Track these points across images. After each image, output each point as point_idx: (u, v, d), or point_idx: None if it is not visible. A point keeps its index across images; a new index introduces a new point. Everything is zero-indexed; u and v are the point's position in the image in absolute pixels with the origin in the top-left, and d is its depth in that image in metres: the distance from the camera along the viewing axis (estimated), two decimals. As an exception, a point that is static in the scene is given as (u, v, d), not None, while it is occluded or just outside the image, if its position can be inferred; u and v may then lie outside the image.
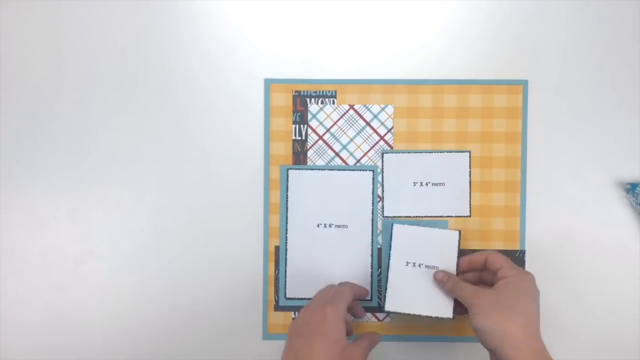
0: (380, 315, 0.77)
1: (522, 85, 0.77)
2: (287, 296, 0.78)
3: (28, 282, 0.79)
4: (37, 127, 0.79)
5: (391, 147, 0.78)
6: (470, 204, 0.77)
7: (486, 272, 0.71)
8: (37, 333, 0.79)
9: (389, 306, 0.72)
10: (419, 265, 0.72)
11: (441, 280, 0.71)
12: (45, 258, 0.79)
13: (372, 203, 0.78)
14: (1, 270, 0.79)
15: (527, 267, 0.76)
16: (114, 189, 0.78)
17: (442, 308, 0.71)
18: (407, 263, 0.72)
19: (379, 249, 0.77)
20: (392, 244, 0.73)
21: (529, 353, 0.61)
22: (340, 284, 0.73)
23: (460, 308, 0.70)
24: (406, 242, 0.73)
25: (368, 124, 0.78)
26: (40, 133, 0.79)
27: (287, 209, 0.78)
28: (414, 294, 0.72)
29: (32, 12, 0.79)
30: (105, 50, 0.79)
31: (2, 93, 0.79)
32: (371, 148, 0.78)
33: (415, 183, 0.78)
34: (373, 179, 0.78)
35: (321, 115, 0.78)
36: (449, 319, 0.71)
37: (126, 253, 0.78)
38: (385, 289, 0.72)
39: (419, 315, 0.71)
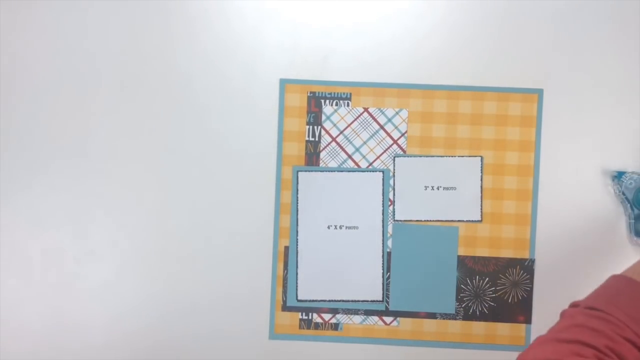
0: (388, 319, 0.78)
1: (537, 94, 0.77)
2: (299, 298, 0.78)
3: (28, 282, 0.79)
4: (37, 126, 0.78)
5: (404, 151, 0.77)
6: (481, 209, 0.77)
7: None
8: (37, 333, 0.78)
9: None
10: None
11: None
12: (45, 258, 0.78)
13: (383, 205, 0.77)
14: (1, 270, 0.79)
15: (536, 276, 0.77)
16: (115, 189, 0.78)
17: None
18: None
19: (389, 252, 0.77)
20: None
21: None
22: None
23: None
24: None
25: (382, 127, 0.78)
26: (40, 133, 0.78)
27: (297, 209, 0.78)
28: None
29: (32, 12, 0.78)
30: (107, 50, 0.78)
31: (2, 93, 0.78)
32: (384, 151, 0.78)
33: (426, 187, 0.78)
34: (383, 180, 0.77)
35: (335, 117, 0.78)
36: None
37: (127, 253, 0.78)
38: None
39: None
